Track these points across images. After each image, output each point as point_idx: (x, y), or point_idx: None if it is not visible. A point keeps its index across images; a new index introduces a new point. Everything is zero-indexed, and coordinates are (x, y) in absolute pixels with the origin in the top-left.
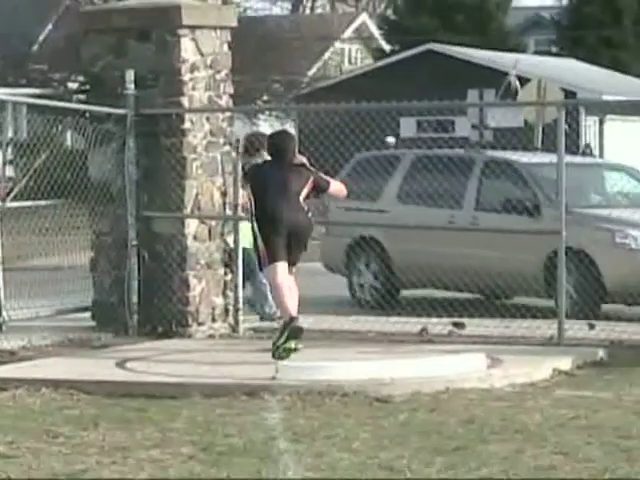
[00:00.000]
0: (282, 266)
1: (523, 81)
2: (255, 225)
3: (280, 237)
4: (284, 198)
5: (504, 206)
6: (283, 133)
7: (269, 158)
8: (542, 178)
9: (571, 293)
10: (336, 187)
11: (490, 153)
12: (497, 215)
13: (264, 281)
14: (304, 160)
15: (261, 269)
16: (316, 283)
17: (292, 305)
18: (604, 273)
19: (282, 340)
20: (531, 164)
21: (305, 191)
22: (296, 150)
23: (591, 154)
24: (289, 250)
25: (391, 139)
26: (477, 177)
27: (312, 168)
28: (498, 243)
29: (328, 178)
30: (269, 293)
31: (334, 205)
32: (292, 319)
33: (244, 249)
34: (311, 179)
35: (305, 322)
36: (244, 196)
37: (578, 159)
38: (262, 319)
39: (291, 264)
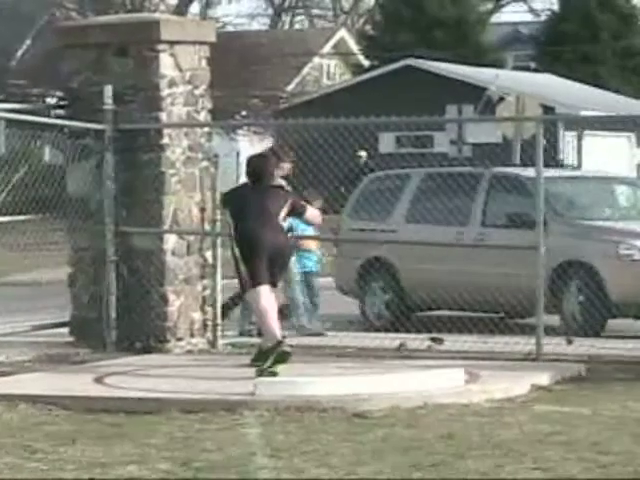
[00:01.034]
0: (265, 290)
1: (501, 97)
2: (236, 248)
3: (261, 259)
4: (263, 220)
5: (509, 221)
6: (261, 157)
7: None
8: (547, 192)
9: (576, 307)
10: (312, 213)
11: (497, 168)
12: (503, 230)
13: (297, 296)
14: (282, 183)
15: (244, 292)
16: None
17: (277, 328)
18: (609, 285)
19: (269, 364)
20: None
21: (283, 213)
22: (275, 173)
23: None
24: (271, 272)
25: (362, 153)
26: (484, 193)
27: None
28: (504, 259)
29: (305, 204)
30: (299, 307)
31: (345, 226)
32: (279, 343)
33: None
34: (290, 201)
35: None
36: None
37: (589, 173)
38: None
39: (273, 285)
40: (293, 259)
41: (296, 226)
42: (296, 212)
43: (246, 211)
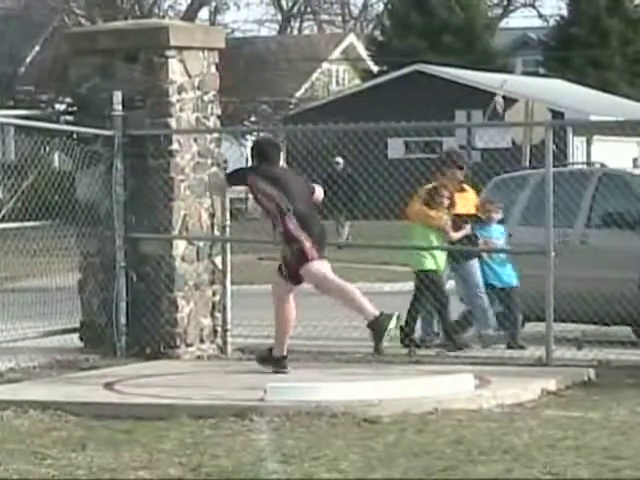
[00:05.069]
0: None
1: (510, 102)
2: (291, 224)
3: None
4: (307, 202)
5: (612, 222)
6: (269, 139)
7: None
8: None
9: None
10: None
11: (606, 168)
12: (605, 231)
13: (483, 304)
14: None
15: (303, 263)
16: None
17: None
18: None
19: (264, 367)
20: None
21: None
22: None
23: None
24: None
25: (339, 159)
26: (591, 193)
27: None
28: (604, 262)
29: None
30: (488, 314)
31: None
32: (284, 358)
33: (428, 271)
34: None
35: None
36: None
37: None
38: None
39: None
40: (477, 266)
41: (488, 235)
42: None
43: (292, 192)
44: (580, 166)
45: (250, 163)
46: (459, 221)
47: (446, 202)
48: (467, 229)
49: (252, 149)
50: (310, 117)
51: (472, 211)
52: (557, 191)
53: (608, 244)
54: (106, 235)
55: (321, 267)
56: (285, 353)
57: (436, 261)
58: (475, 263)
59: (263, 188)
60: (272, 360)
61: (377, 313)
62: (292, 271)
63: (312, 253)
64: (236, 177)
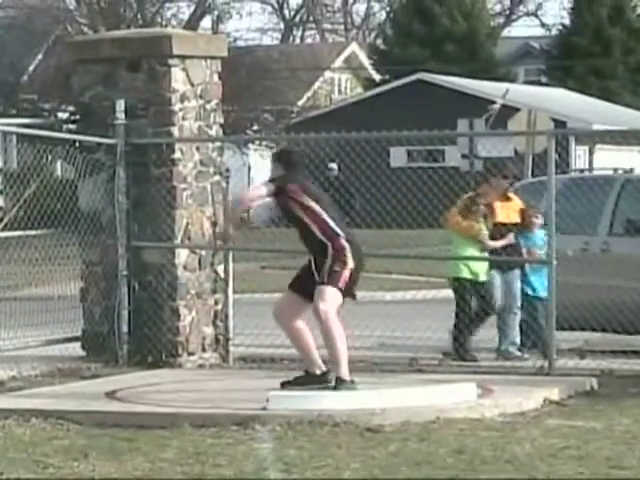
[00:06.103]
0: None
1: (513, 111)
2: (346, 245)
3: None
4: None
5: (635, 229)
6: (295, 148)
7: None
8: None
9: None
10: None
11: (630, 174)
12: (628, 239)
13: (514, 320)
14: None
15: (329, 282)
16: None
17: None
18: None
19: (309, 386)
20: None
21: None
22: None
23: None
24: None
25: (333, 165)
26: (614, 199)
27: None
28: (627, 270)
29: None
30: (516, 332)
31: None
32: (325, 373)
33: (463, 279)
34: None
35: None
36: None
37: None
38: (499, 356)
39: (353, 297)
40: (518, 279)
41: (532, 243)
42: None
43: (334, 212)
44: (603, 172)
45: (273, 170)
46: (500, 230)
47: (482, 211)
48: (510, 238)
49: (280, 156)
50: (312, 126)
51: (516, 220)
52: (580, 198)
53: (631, 252)
54: (108, 244)
55: (335, 300)
56: (324, 367)
57: (471, 270)
58: (516, 274)
59: (307, 203)
60: (316, 379)
61: (344, 378)
62: (311, 282)
63: (343, 283)
64: (277, 185)
